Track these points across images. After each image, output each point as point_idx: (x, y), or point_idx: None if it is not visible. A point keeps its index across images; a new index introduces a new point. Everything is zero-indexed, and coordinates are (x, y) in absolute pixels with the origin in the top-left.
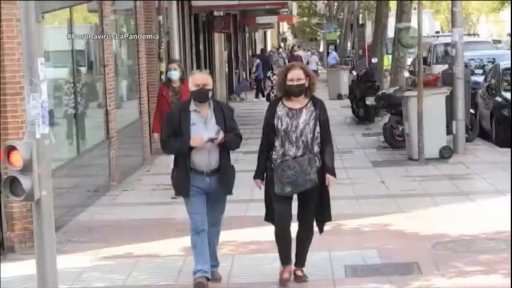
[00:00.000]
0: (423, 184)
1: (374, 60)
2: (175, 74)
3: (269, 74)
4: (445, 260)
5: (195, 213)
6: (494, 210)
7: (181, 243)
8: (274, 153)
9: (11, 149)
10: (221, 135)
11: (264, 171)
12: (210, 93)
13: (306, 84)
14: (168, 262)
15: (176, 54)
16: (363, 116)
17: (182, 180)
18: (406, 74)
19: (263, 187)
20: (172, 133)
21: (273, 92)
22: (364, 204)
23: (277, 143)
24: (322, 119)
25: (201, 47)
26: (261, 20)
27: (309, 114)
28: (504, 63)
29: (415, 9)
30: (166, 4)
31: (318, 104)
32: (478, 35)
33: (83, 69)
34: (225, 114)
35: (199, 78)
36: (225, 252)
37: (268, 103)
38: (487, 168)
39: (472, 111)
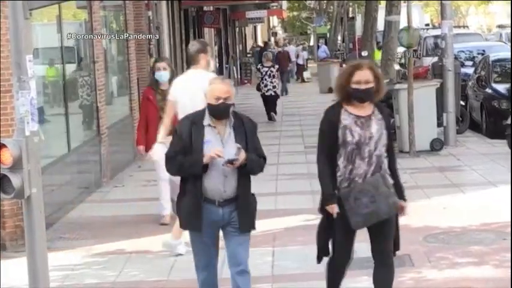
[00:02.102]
0: (414, 176)
1: (364, 53)
2: (164, 75)
3: (259, 66)
4: (436, 252)
5: (198, 257)
6: (485, 202)
7: None
8: (339, 176)
9: (1, 146)
10: (242, 155)
11: (335, 193)
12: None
13: (374, 88)
14: (159, 258)
15: (166, 49)
16: None
17: (193, 211)
18: (397, 66)
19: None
20: (181, 150)
21: (263, 83)
22: None
23: (341, 160)
24: (389, 129)
25: None
26: (251, 14)
27: (378, 122)
28: (494, 55)
29: (404, 1)
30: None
31: (384, 112)
32: (467, 27)
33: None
34: (246, 131)
35: (220, 90)
36: None
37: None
38: (478, 160)
39: (462, 103)
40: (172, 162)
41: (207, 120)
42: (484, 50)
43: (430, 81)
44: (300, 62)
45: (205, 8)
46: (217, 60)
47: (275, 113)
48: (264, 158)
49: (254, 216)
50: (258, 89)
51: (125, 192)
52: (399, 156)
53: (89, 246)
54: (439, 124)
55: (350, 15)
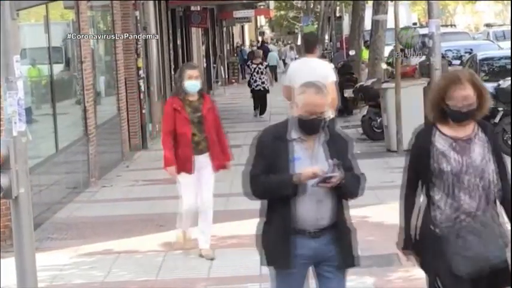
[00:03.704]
0: (402, 175)
1: (351, 52)
2: (196, 86)
3: (248, 63)
4: None
5: None
6: None
7: (161, 239)
8: (437, 212)
9: None
10: (340, 173)
11: (411, 238)
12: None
13: (475, 105)
14: (148, 258)
15: (153, 49)
16: (341, 108)
17: (281, 245)
18: (384, 65)
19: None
20: (265, 170)
21: (252, 79)
22: None
23: (437, 194)
24: (498, 152)
25: (179, 42)
26: (238, 14)
27: (481, 145)
28: (481, 54)
29: (392, 0)
30: None
31: (488, 129)
32: (455, 25)
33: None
34: (339, 148)
35: (315, 103)
36: None
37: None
38: None
39: None
40: (257, 183)
41: (293, 133)
42: (471, 49)
43: (417, 80)
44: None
45: (192, 8)
46: (204, 60)
47: (265, 108)
48: (359, 179)
49: (355, 248)
50: (249, 84)
51: (113, 192)
52: (387, 155)
53: (77, 247)
54: (427, 123)
55: (337, 15)
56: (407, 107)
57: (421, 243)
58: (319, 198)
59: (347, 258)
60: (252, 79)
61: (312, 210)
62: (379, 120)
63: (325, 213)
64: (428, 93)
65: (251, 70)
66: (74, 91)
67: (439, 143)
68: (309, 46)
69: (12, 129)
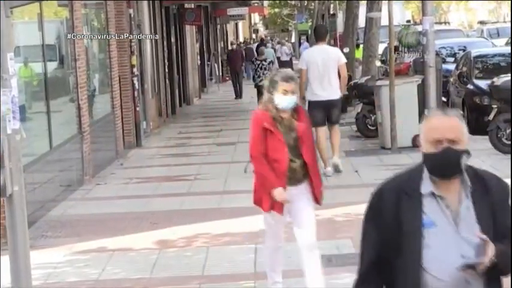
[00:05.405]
0: (396, 173)
1: (345, 50)
2: (291, 102)
3: (253, 59)
4: None
5: None
6: None
7: (155, 237)
8: None
9: None
10: (490, 252)
11: None
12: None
13: None
14: (142, 255)
15: (147, 47)
16: None
17: None
18: (378, 63)
19: None
20: (382, 247)
21: (256, 74)
22: (338, 193)
23: None
24: None
25: (173, 40)
26: (232, 11)
27: None
28: (475, 51)
29: None
30: None
31: None
32: (449, 23)
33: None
34: (494, 201)
35: (441, 128)
36: (200, 244)
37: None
38: None
39: (443, 99)
40: (367, 280)
41: (427, 185)
42: (465, 46)
43: (411, 77)
44: (285, 58)
45: (186, 5)
46: (198, 57)
47: None
48: None
49: None
50: (254, 79)
51: (107, 190)
52: (381, 153)
53: (72, 244)
54: (421, 120)
55: (331, 12)
56: (401, 104)
57: None
58: (467, 279)
59: None
60: (256, 74)
61: None
62: (373, 118)
63: None
64: None
65: (255, 66)
66: (68, 89)
67: None
68: (320, 35)
69: (6, 127)
